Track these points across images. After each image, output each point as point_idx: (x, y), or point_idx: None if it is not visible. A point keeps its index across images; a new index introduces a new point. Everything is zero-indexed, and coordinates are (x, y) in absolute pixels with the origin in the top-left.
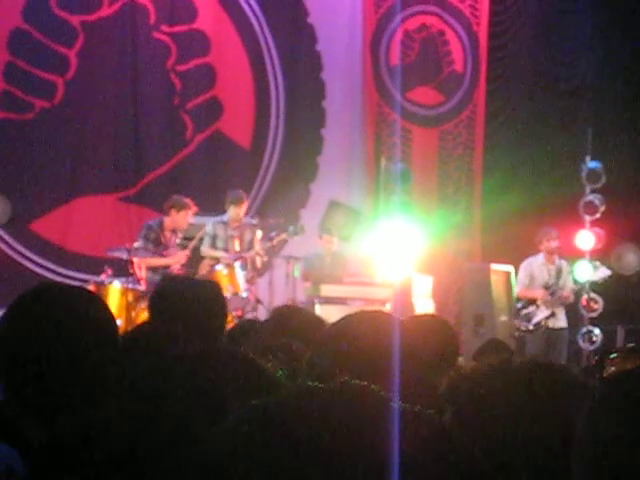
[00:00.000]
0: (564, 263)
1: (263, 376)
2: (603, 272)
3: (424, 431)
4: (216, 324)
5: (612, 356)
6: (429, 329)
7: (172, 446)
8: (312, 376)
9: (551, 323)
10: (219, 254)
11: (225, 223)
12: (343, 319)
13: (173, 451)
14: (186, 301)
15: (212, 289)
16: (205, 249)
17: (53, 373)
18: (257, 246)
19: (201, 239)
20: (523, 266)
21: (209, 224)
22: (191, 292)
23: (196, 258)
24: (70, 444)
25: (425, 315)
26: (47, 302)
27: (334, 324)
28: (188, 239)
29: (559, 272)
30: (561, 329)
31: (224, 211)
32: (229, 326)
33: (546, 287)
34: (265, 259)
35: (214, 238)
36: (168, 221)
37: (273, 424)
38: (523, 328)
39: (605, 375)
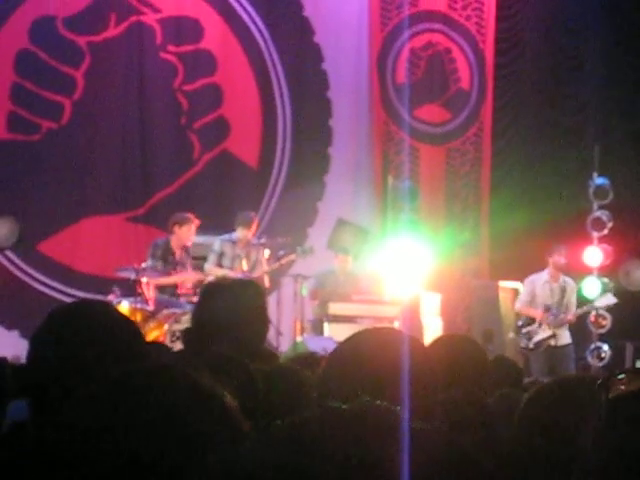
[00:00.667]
0: (570, 282)
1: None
2: (608, 299)
3: (441, 450)
4: (255, 330)
5: (620, 376)
6: (454, 349)
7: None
8: (324, 393)
9: (553, 342)
10: (224, 272)
11: (233, 242)
12: (353, 336)
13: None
14: (227, 310)
15: (253, 294)
16: (210, 267)
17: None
18: (264, 265)
19: (204, 258)
20: (526, 283)
21: (216, 241)
22: (232, 299)
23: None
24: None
25: (452, 335)
26: (69, 323)
27: (344, 342)
28: (197, 259)
29: (563, 291)
30: (564, 346)
31: (232, 230)
32: None
33: (546, 309)
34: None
35: (221, 256)
36: (174, 239)
37: (297, 443)
38: (524, 346)
39: (611, 395)
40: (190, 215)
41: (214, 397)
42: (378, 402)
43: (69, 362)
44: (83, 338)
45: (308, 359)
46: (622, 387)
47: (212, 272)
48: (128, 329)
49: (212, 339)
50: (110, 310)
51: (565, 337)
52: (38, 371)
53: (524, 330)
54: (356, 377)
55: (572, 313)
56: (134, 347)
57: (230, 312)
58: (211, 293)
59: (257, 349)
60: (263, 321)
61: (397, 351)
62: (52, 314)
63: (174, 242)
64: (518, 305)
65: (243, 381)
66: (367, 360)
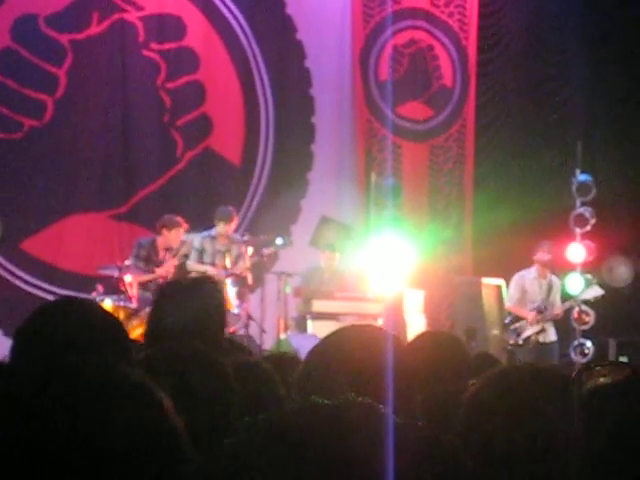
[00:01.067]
0: (555, 279)
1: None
2: (595, 291)
3: (423, 446)
4: (215, 323)
5: (597, 368)
6: (436, 345)
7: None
8: (305, 388)
9: (541, 338)
10: (205, 269)
11: (213, 238)
12: (335, 333)
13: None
14: (185, 302)
15: (210, 288)
16: (192, 263)
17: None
18: (247, 262)
19: (186, 255)
20: (515, 279)
21: (196, 238)
22: (190, 293)
23: (182, 271)
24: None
25: (433, 331)
26: (52, 321)
27: (326, 338)
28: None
29: (550, 288)
30: (551, 342)
31: (212, 226)
32: None
33: (539, 310)
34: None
35: (201, 253)
36: (160, 240)
37: (282, 437)
38: (512, 342)
39: (589, 387)
40: (180, 219)
41: (148, 393)
42: (360, 398)
43: (53, 359)
44: (67, 335)
45: (281, 358)
46: (602, 379)
47: (194, 269)
48: (112, 326)
49: (174, 339)
50: (94, 307)
51: (551, 334)
52: (21, 369)
53: (512, 327)
54: (338, 374)
55: (559, 307)
56: (118, 343)
57: (194, 310)
58: (168, 294)
59: (220, 343)
60: (222, 316)
61: (379, 348)
62: (36, 311)
63: (160, 243)
64: (509, 303)
65: (216, 376)
66: (349, 357)
